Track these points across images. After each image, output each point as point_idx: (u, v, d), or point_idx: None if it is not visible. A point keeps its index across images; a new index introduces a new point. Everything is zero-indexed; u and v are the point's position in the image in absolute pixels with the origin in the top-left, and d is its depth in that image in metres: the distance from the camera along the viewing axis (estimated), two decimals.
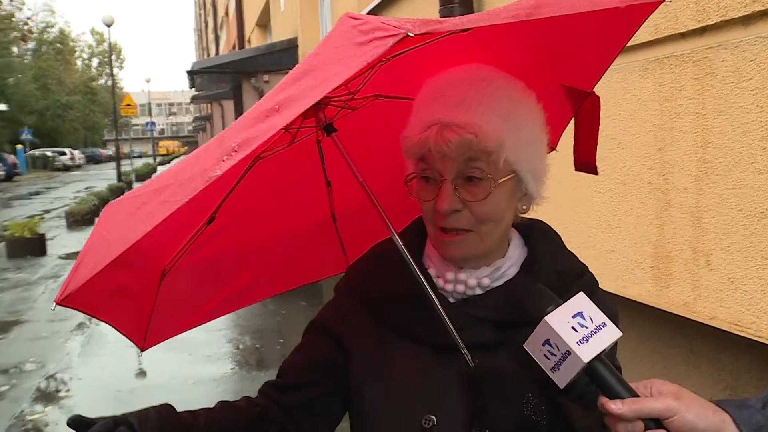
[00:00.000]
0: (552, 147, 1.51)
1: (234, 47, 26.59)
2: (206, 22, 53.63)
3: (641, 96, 3.05)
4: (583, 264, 1.36)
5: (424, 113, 1.24)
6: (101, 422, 1.22)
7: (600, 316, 1.08)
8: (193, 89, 26.31)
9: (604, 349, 1.07)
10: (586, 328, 1.07)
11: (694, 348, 3.06)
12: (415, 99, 1.31)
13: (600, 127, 3.28)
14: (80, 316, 9.33)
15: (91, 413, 4.76)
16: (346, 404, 1.41)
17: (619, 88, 3.20)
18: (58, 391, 6.70)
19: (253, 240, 1.67)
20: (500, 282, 1.30)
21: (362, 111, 1.44)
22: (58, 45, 73.90)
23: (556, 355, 1.08)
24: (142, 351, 1.65)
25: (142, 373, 6.98)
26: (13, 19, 48.59)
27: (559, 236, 1.39)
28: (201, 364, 6.87)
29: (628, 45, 3.00)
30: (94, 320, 9.13)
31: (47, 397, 6.51)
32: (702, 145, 2.68)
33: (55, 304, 1.23)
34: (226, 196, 1.49)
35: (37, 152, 58.77)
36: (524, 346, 1.10)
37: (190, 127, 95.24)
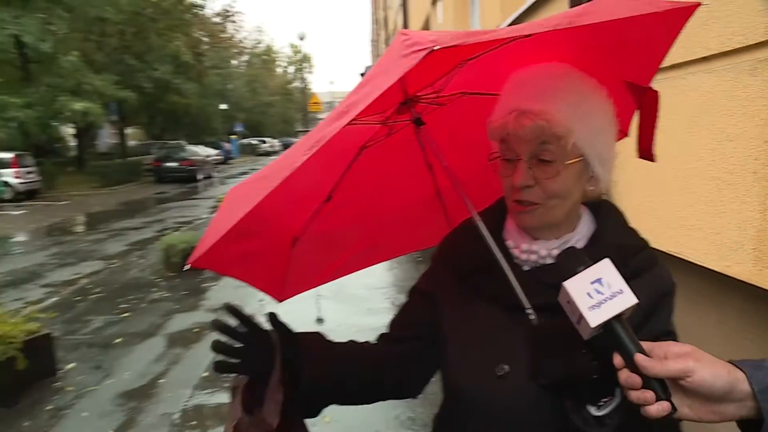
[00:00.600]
0: (624, 134, 1.46)
1: None
2: (379, 34, 54.42)
3: (750, 93, 2.80)
4: (644, 240, 1.29)
5: (507, 102, 1.23)
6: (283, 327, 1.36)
7: (619, 284, 1.00)
8: None
9: (619, 314, 0.99)
10: (602, 294, 0.99)
11: None
12: (499, 93, 1.28)
13: (710, 122, 3.06)
14: None
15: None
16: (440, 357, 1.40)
17: (729, 85, 2.96)
18: None
19: (366, 214, 1.70)
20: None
21: (449, 106, 1.43)
22: (264, 57, 77.26)
23: (575, 314, 1.02)
24: (279, 302, 1.71)
25: (318, 320, 7.18)
26: (233, 39, 51.52)
27: (623, 213, 1.33)
28: (363, 315, 6.98)
29: (737, 46, 2.79)
30: None
31: None
32: None
33: (188, 265, 1.32)
34: (340, 179, 1.55)
35: (245, 141, 61.73)
36: (558, 299, 1.05)
37: None
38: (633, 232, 1.31)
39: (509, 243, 1.32)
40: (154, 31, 33.36)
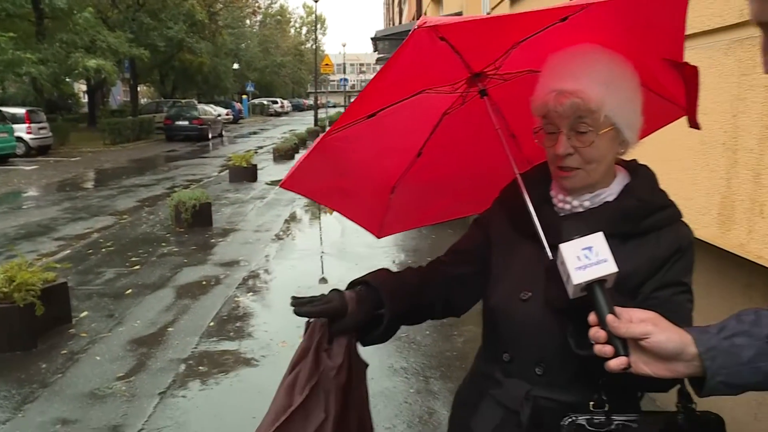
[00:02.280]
0: (684, 109, 1.58)
1: (413, 18, 26.59)
2: None
3: (723, 70, 2.98)
4: (670, 200, 1.46)
5: (545, 82, 1.42)
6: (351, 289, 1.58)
7: (605, 254, 1.18)
8: (377, 53, 26.64)
9: (598, 278, 1.16)
10: (589, 259, 1.17)
11: (750, 282, 3.02)
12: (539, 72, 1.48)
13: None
14: (278, 229, 10.06)
15: (279, 301, 5.43)
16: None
17: (706, 63, 3.13)
18: (257, 282, 7.30)
19: (451, 172, 1.91)
20: (598, 204, 1.45)
21: (516, 81, 1.62)
22: (278, 17, 76.79)
23: (566, 274, 1.21)
24: (378, 238, 1.98)
25: (322, 279, 7.40)
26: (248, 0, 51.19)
27: (655, 177, 1.50)
28: (364, 271, 7.17)
29: (716, 27, 2.95)
30: (288, 233, 9.82)
31: (249, 286, 7.10)
32: (767, 113, 2.63)
33: (279, 186, 1.63)
34: (427, 139, 1.78)
35: (256, 101, 61.65)
36: (557, 264, 1.24)
37: None
38: (660, 193, 1.47)
39: (553, 193, 1.53)
40: None
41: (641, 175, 1.49)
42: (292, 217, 11.11)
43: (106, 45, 26.58)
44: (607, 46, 1.43)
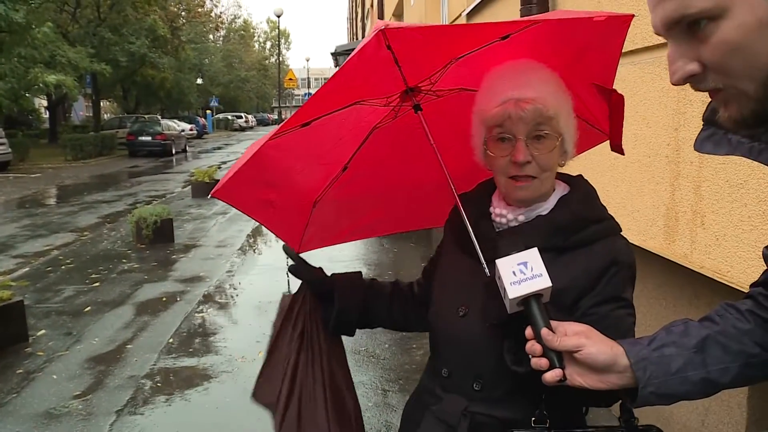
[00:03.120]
0: (607, 135, 1.64)
1: None
2: (356, 13, 54.04)
3: (665, 85, 3.07)
4: (607, 214, 1.47)
5: (497, 92, 1.42)
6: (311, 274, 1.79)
7: (540, 269, 1.20)
8: (337, 67, 26.64)
9: (533, 292, 1.19)
10: (524, 274, 1.20)
11: (697, 293, 3.10)
12: (482, 84, 1.49)
13: (634, 109, 3.29)
14: (239, 243, 9.98)
15: (240, 316, 5.42)
16: None
17: (649, 78, 3.22)
18: (217, 298, 7.21)
19: (379, 187, 1.91)
20: (532, 218, 1.46)
21: (449, 99, 1.64)
22: (242, 32, 76.48)
23: (503, 288, 1.23)
24: (298, 253, 1.95)
25: (277, 291, 7.33)
26: (211, 15, 50.88)
27: (594, 190, 1.52)
28: None
29: (658, 43, 3.04)
30: (250, 247, 9.76)
31: (211, 301, 7.03)
32: None
33: (210, 195, 1.63)
34: (354, 153, 1.77)
35: (220, 116, 61.12)
36: (495, 279, 1.27)
37: None
38: (595, 206, 1.49)
39: (491, 209, 1.54)
40: (131, 4, 32.86)
41: (577, 188, 1.50)
42: (255, 232, 11.02)
43: (66, 60, 26.14)
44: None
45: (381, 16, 24.43)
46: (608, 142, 1.81)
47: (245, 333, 5.85)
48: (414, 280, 1.82)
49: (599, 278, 1.37)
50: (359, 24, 48.71)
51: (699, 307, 3.11)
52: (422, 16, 13.65)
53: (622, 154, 1.60)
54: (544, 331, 1.17)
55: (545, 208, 1.47)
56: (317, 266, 1.80)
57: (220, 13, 57.61)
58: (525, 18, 1.39)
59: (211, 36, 60.33)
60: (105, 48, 31.78)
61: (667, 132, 3.03)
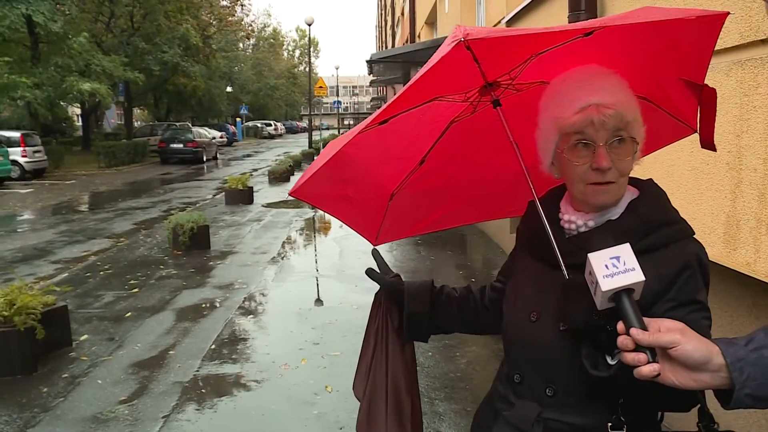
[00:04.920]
0: (693, 128, 1.64)
1: (406, 41, 26.79)
2: (385, 21, 54.32)
3: (725, 92, 3.02)
4: (678, 217, 1.46)
5: (574, 98, 1.41)
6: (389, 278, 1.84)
7: (632, 263, 1.18)
8: (371, 75, 26.78)
9: (626, 285, 1.17)
10: (617, 268, 1.18)
11: (756, 302, 3.04)
12: (551, 91, 1.49)
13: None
14: (275, 251, 10.03)
15: (279, 324, 5.43)
16: None
17: (710, 83, 3.17)
18: (256, 305, 7.25)
19: (455, 181, 1.93)
20: (602, 223, 1.46)
21: (527, 93, 1.62)
22: (272, 40, 77.30)
23: (594, 283, 1.21)
24: (374, 245, 1.99)
25: (318, 300, 7.36)
26: (242, 23, 51.49)
27: (663, 193, 1.50)
28: (363, 293, 7.13)
29: (716, 49, 3.00)
30: (285, 255, 9.81)
31: (249, 309, 7.06)
32: None
33: (288, 194, 1.70)
34: (432, 147, 1.79)
35: (250, 124, 61.80)
36: (585, 274, 1.25)
37: (368, 106, 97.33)
38: (666, 209, 1.46)
39: (560, 215, 1.54)
40: (163, 14, 33.40)
41: (646, 192, 1.49)
42: (290, 239, 11.09)
43: (100, 69, 26.67)
44: (624, 62, 1.46)
45: (413, 25, 24.49)
46: (664, 147, 1.82)
47: (287, 340, 5.87)
48: (490, 283, 1.83)
49: (672, 282, 1.35)
50: (389, 32, 48.94)
51: (759, 316, 3.05)
52: (457, 22, 13.64)
53: (714, 150, 1.57)
54: (634, 330, 1.14)
55: (615, 212, 1.45)
56: (395, 273, 1.86)
57: (251, 21, 58.28)
58: (611, 16, 1.39)
59: (241, 44, 61.01)
60: (138, 57, 32.33)
61: (728, 139, 2.99)
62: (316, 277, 8.37)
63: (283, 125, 72.01)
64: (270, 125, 64.24)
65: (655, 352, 1.14)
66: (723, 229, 3.03)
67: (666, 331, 1.14)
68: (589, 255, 1.22)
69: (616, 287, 1.18)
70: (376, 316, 1.86)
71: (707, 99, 1.53)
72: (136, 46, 32.40)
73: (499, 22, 8.52)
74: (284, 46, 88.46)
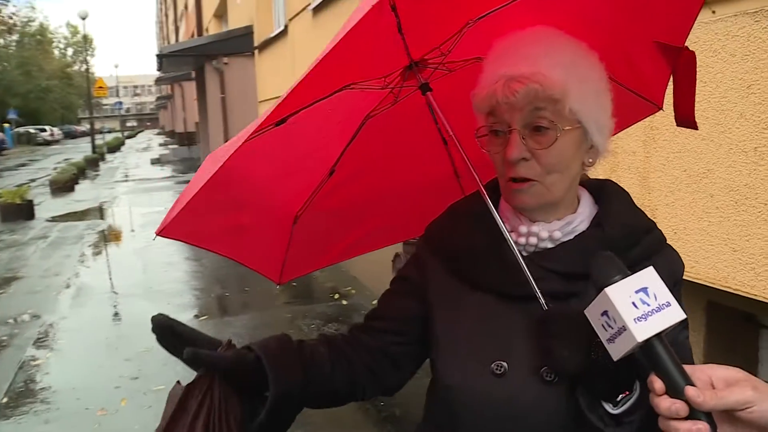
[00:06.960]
0: (658, 106, 1.39)
1: (193, 35, 25.86)
2: (167, 15, 52.55)
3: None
4: (651, 221, 1.19)
5: (492, 70, 1.11)
6: (222, 353, 1.12)
7: (665, 296, 0.87)
8: (160, 71, 25.30)
9: (664, 330, 0.85)
10: (648, 305, 0.85)
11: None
12: (483, 64, 1.15)
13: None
14: (69, 272, 8.91)
15: (86, 360, 4.51)
16: (427, 351, 1.25)
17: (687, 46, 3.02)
18: (54, 339, 6.29)
19: (376, 191, 1.57)
20: (571, 236, 1.15)
21: (463, 73, 1.29)
22: (39, 37, 71.34)
23: (612, 328, 0.87)
24: (278, 285, 1.59)
25: (126, 321, 6.68)
26: (0, 15, 46.78)
27: (628, 194, 1.22)
28: (178, 311, 6.55)
29: None
30: (80, 274, 8.73)
31: (45, 345, 6.10)
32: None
33: (155, 234, 1.22)
34: (343, 152, 1.44)
35: (21, 129, 56.82)
36: (585, 312, 0.91)
37: (152, 106, 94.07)
38: (640, 213, 1.20)
39: (506, 226, 1.16)
40: None
41: (613, 194, 1.20)
42: (84, 257, 9.94)
43: None
44: (580, 25, 1.15)
45: (200, 18, 23.73)
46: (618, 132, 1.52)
47: (99, 378, 5.07)
48: (354, 327, 1.35)
49: None
50: (171, 27, 47.09)
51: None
52: (252, 13, 13.12)
53: (695, 128, 1.30)
54: (691, 390, 0.81)
55: (580, 221, 1.16)
56: (224, 339, 1.17)
57: (10, 14, 53.16)
58: None
59: (1, 40, 55.74)
60: None
61: None
62: (118, 295, 7.52)
63: (60, 130, 67.14)
64: (45, 130, 59.40)
65: (711, 415, 0.81)
66: None
67: (725, 385, 0.82)
68: (607, 290, 0.87)
69: (654, 333, 0.84)
70: (193, 413, 1.09)
71: (685, 64, 1.24)
72: None
73: (304, 9, 8.12)
74: (54, 44, 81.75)
